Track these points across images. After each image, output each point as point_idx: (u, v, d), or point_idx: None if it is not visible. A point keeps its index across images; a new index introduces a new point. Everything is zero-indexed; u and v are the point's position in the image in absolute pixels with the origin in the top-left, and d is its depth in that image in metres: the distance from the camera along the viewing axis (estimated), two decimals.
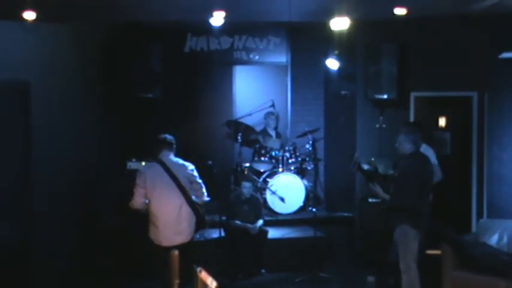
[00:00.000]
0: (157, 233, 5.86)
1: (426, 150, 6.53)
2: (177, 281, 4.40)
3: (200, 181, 6.01)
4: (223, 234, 7.43)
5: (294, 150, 8.95)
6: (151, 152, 6.14)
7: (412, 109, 8.12)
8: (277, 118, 9.33)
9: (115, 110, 8.22)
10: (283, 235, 8.00)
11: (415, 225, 5.70)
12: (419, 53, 8.03)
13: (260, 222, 7.63)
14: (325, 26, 6.82)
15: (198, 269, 3.81)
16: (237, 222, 7.49)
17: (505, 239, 6.44)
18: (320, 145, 9.30)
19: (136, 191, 5.88)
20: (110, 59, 8.11)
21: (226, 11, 6.66)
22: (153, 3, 6.90)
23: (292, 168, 8.84)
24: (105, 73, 8.09)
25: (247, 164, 8.90)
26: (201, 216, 6.02)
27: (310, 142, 8.88)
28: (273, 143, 8.90)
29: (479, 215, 7.96)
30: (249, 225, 7.47)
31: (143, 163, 7.41)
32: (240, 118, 9.21)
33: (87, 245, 7.41)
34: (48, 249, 6.92)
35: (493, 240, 6.48)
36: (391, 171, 6.78)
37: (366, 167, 7.24)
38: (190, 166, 6.00)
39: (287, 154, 8.86)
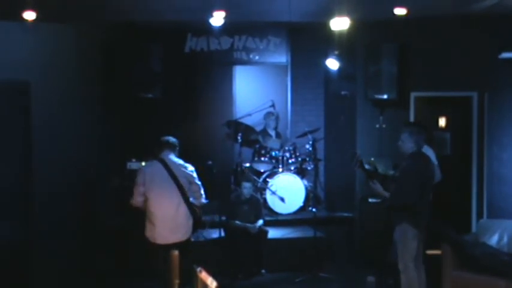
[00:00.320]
0: (153, 230, 5.90)
1: (426, 150, 6.52)
2: (177, 281, 4.41)
3: (199, 183, 6.04)
4: (223, 234, 7.43)
5: (294, 150, 8.95)
6: (152, 152, 6.16)
7: (412, 109, 8.12)
8: (277, 118, 9.32)
9: (115, 110, 8.22)
10: (283, 235, 8.00)
11: (415, 225, 5.70)
12: (419, 53, 8.03)
13: (260, 222, 7.62)
14: (325, 26, 6.82)
15: (198, 269, 3.81)
16: (237, 222, 7.49)
17: (505, 239, 6.44)
18: (320, 145, 9.30)
19: (136, 190, 5.95)
20: (110, 59, 8.12)
21: (226, 11, 6.66)
22: (153, 3, 6.89)
23: (292, 168, 8.84)
24: (105, 73, 8.09)
25: (247, 164, 8.90)
26: (198, 216, 6.05)
27: (310, 142, 8.88)
28: (273, 143, 8.90)
29: (479, 215, 7.96)
30: (248, 225, 7.47)
31: (143, 163, 7.41)
32: (240, 118, 9.21)
33: (87, 245, 7.41)
34: (48, 249, 6.92)
35: (493, 240, 6.48)
36: (391, 171, 6.79)
37: (366, 166, 7.24)
38: (191, 167, 6.04)
39: (287, 154, 8.86)
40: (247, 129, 9.05)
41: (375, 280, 6.79)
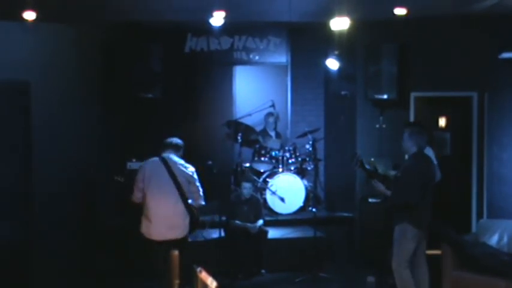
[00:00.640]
0: (149, 226, 5.91)
1: (427, 150, 6.53)
2: (177, 281, 4.41)
3: (198, 184, 6.05)
4: (223, 234, 7.43)
5: (294, 150, 8.95)
6: (153, 152, 6.16)
7: (412, 109, 8.12)
8: (277, 118, 9.33)
9: (115, 110, 8.22)
10: (283, 235, 8.00)
11: (416, 225, 5.71)
12: (419, 53, 8.03)
13: (260, 222, 7.62)
14: (325, 26, 6.82)
15: (198, 269, 3.81)
16: (237, 222, 7.49)
17: (505, 239, 6.44)
18: (320, 145, 9.29)
19: (135, 186, 6.01)
20: (110, 59, 8.12)
21: (226, 11, 6.66)
22: (153, 3, 6.90)
23: (292, 168, 8.84)
24: (105, 73, 8.09)
25: (247, 164, 8.91)
26: (196, 217, 6.05)
27: (310, 142, 8.88)
28: (273, 143, 8.90)
29: (479, 215, 7.96)
30: (249, 224, 7.47)
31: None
32: (240, 118, 9.21)
33: (87, 245, 7.41)
34: (48, 249, 6.92)
35: (493, 240, 6.48)
36: (391, 171, 6.80)
37: (366, 166, 7.24)
38: (191, 168, 6.06)
39: (287, 154, 8.86)
40: (247, 129, 9.05)
41: (375, 280, 6.79)
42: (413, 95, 8.12)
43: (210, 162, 7.28)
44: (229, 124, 9.13)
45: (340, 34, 6.94)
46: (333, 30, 6.65)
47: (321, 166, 9.38)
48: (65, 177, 7.17)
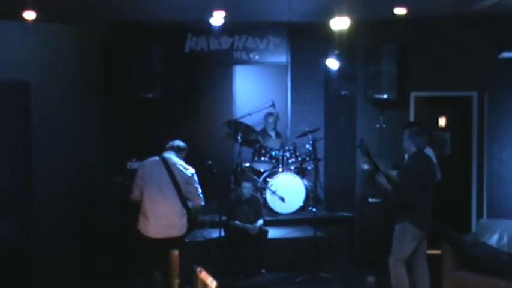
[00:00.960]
0: (146, 223, 5.91)
1: (427, 150, 6.53)
2: (177, 281, 4.41)
3: (197, 185, 6.04)
4: (223, 234, 7.43)
5: (294, 150, 8.95)
6: (153, 152, 6.16)
7: (412, 109, 8.12)
8: (277, 118, 9.33)
9: (115, 110, 8.21)
10: (283, 235, 7.99)
11: (418, 225, 5.71)
12: (419, 53, 8.03)
13: (260, 222, 7.62)
14: (325, 26, 6.82)
15: (198, 269, 3.81)
16: (237, 222, 7.49)
17: (505, 239, 6.44)
18: (320, 145, 9.29)
19: (135, 184, 6.02)
20: (110, 59, 8.11)
21: (226, 11, 6.65)
22: (153, 3, 6.90)
23: (292, 168, 8.84)
24: (105, 73, 8.09)
25: (247, 164, 8.91)
26: (193, 217, 6.05)
27: (310, 142, 8.88)
28: (273, 143, 8.91)
29: (479, 215, 7.96)
30: (248, 226, 7.47)
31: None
32: (240, 118, 9.21)
33: (87, 245, 7.41)
34: (48, 249, 6.92)
35: (493, 240, 6.47)
36: (391, 171, 6.80)
37: (366, 167, 7.25)
38: (191, 170, 6.06)
39: (287, 154, 8.86)
40: (247, 129, 9.05)
41: (375, 280, 6.79)
42: (413, 94, 8.12)
43: (210, 162, 7.28)
44: (229, 124, 9.13)
45: (340, 34, 6.95)
46: (333, 30, 6.65)
47: (321, 166, 9.38)
48: (65, 177, 7.17)
